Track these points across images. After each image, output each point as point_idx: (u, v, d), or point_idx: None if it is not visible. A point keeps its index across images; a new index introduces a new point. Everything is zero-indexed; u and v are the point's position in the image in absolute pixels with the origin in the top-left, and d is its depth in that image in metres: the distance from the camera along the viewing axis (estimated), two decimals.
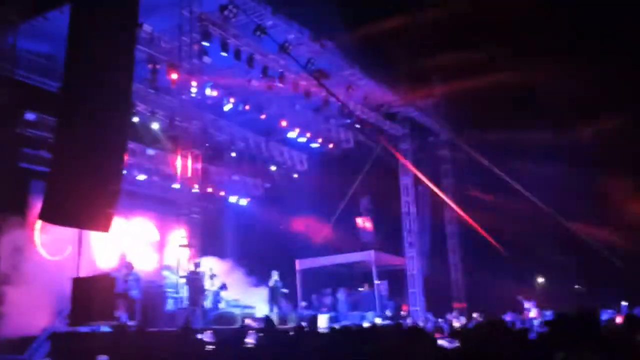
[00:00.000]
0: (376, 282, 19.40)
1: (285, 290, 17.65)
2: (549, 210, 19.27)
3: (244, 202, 23.38)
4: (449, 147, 23.57)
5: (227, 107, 18.33)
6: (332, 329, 7.83)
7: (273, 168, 22.75)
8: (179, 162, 14.75)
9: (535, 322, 15.68)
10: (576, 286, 23.13)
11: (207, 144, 18.43)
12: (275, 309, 16.83)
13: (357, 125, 20.89)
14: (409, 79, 21.02)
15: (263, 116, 19.19)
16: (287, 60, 16.78)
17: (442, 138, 23.67)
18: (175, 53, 15.46)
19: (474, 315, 17.12)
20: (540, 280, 24.66)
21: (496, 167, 20.03)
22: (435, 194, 23.16)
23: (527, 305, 18.13)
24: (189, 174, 14.42)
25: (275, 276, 17.40)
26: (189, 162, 14.49)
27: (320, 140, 21.34)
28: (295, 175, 23.59)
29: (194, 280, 13.54)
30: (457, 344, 6.91)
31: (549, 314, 16.45)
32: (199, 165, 14.83)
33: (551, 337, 5.00)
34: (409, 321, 17.53)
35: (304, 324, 9.60)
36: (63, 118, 11.88)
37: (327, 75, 17.94)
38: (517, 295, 18.87)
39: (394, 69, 20.57)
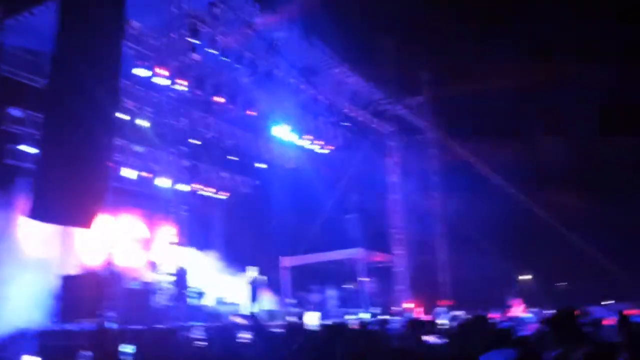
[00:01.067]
0: (363, 279, 19.47)
1: (263, 279, 17.27)
2: (535, 207, 19.44)
3: (232, 199, 23.37)
4: (437, 145, 23.66)
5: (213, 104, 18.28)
6: (321, 326, 7.86)
7: (261, 165, 22.75)
8: (166, 159, 14.71)
9: (525, 320, 15.80)
10: (559, 284, 23.39)
11: (195, 141, 18.39)
12: (258, 306, 16.69)
13: (346, 123, 20.91)
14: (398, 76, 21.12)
15: (252, 113, 19.15)
16: (276, 57, 16.76)
17: (429, 136, 23.76)
18: (163, 50, 15.40)
19: (458, 312, 17.23)
20: (525, 277, 24.87)
21: (483, 165, 20.16)
22: (423, 191, 23.29)
23: (512, 302, 18.29)
24: (177, 171, 14.38)
25: (252, 272, 17.19)
26: (177, 159, 14.46)
27: (308, 137, 21.35)
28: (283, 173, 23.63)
29: (180, 277, 13.52)
30: (445, 340, 6.97)
31: (535, 311, 16.62)
32: (187, 163, 14.79)
33: (548, 335, 5.09)
34: (396, 318, 17.61)
35: (291, 319, 9.63)
36: (49, 114, 11.81)
37: (316, 73, 17.95)
38: (504, 292, 19.03)
39: (383, 66, 20.63)
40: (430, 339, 7.36)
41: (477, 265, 20.77)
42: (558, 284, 23.29)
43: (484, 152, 21.00)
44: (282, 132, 20.34)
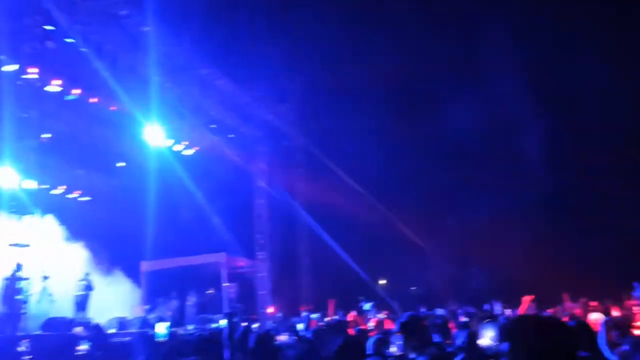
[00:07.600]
0: (225, 284, 19.20)
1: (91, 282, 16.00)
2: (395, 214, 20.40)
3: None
4: (303, 151, 24.01)
5: (70, 97, 17.09)
6: (171, 336, 7.54)
7: (122, 164, 21.68)
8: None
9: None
10: (412, 288, 24.80)
11: (46, 135, 17.12)
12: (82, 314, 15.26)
13: (212, 126, 20.56)
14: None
15: (113, 109, 18.15)
16: (139, 52, 16.06)
17: (296, 142, 24.06)
18: (14, 35, 14.13)
19: (315, 316, 17.51)
20: (383, 282, 26.03)
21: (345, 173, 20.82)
22: (289, 197, 23.54)
23: (366, 306, 18.92)
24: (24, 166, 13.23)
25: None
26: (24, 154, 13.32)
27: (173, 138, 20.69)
28: None
29: (15, 283, 12.32)
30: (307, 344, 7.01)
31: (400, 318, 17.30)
32: (35, 158, 13.69)
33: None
34: (257, 324, 17.55)
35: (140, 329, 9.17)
36: None
37: (182, 72, 17.47)
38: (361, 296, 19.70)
39: (254, 71, 20.52)
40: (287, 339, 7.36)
41: (337, 270, 21.40)
42: (411, 288, 24.68)
43: (347, 160, 21.70)
44: (147, 131, 19.49)
